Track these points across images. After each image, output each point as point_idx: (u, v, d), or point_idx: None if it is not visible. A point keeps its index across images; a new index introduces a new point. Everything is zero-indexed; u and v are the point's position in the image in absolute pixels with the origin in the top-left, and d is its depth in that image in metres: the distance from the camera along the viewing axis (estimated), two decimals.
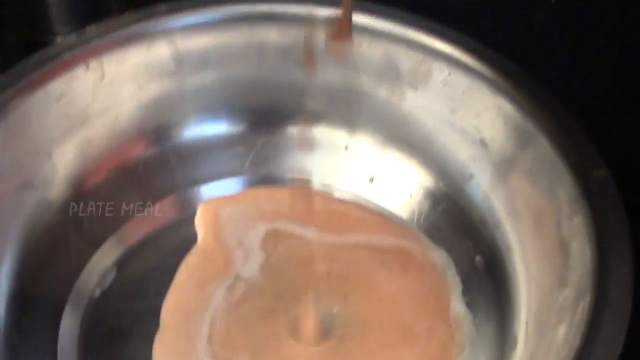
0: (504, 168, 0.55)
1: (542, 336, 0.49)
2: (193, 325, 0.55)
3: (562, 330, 0.47)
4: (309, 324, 0.54)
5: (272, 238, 0.59)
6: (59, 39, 0.66)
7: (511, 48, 0.56)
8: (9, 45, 0.70)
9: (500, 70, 0.55)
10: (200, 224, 0.59)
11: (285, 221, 0.59)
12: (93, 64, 0.57)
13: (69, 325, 0.55)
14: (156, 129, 0.61)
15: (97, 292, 0.57)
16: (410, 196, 0.60)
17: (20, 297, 0.54)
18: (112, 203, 0.59)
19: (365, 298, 0.56)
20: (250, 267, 0.57)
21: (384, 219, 0.60)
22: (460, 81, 0.57)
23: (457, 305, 0.55)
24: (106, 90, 0.58)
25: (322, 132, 0.62)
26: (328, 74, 0.60)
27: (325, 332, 0.54)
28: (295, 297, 0.55)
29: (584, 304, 0.46)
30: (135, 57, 0.59)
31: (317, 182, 0.62)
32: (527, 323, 0.51)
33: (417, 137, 0.59)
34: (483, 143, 0.56)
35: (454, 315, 0.55)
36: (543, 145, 0.52)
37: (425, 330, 0.54)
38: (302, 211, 0.60)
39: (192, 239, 0.59)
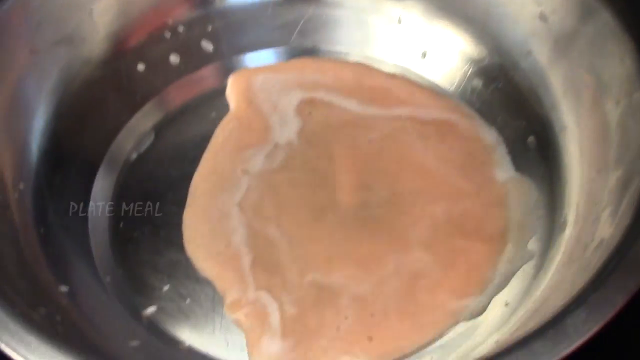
0: (563, 43, 0.52)
1: (590, 217, 0.46)
2: (227, 191, 0.53)
3: (607, 212, 0.45)
4: (347, 194, 0.52)
5: (307, 105, 0.57)
6: None
7: None
8: None
9: None
10: (232, 92, 0.57)
11: (325, 91, 0.57)
12: None
13: (102, 186, 0.54)
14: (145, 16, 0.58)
15: (134, 155, 0.56)
16: (464, 73, 0.57)
17: (54, 154, 0.53)
18: (154, 65, 0.57)
19: (405, 165, 0.53)
20: (287, 133, 0.55)
21: (433, 93, 0.57)
22: None
23: (507, 174, 0.53)
24: None
25: (375, 4, 0.59)
26: None
27: (364, 201, 0.52)
28: (333, 166, 0.53)
29: (636, 185, 0.43)
30: None
31: (367, 56, 0.59)
32: (577, 205, 0.49)
33: (474, 10, 0.56)
34: (543, 17, 0.53)
35: (502, 181, 0.53)
36: (605, 18, 0.49)
37: (474, 190, 0.52)
38: (347, 83, 0.57)
39: None
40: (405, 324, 0.48)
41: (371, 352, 0.47)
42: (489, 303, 0.48)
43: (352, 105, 0.56)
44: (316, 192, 0.53)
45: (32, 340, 0.39)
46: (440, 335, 0.48)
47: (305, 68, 0.58)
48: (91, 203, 0.53)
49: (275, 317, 0.49)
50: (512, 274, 0.49)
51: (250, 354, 0.48)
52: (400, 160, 0.54)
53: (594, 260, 0.42)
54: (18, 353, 0.39)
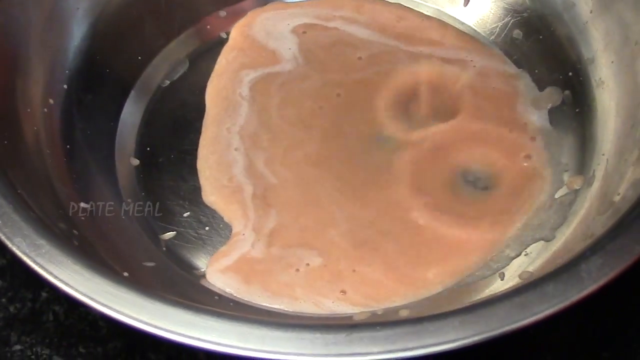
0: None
1: (617, 173, 0.46)
2: (230, 117, 0.53)
3: (632, 168, 0.44)
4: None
5: (303, 27, 0.57)
6: None
7: None
8: None
9: None
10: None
11: (342, 22, 0.57)
12: None
13: (132, 110, 0.54)
14: None
15: (166, 82, 0.56)
16: (505, 23, 0.56)
17: (87, 73, 0.53)
18: None
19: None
20: (284, 51, 0.55)
21: (467, 37, 0.56)
22: None
23: (538, 119, 0.52)
24: None
25: None
26: None
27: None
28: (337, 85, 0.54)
29: None
30: None
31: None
32: (607, 160, 0.47)
33: None
34: None
35: (533, 127, 0.52)
36: None
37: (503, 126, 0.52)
38: (379, 21, 0.57)
39: None
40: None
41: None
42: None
43: (365, 34, 0.56)
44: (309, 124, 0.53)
45: (44, 244, 0.39)
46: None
47: (345, 6, 0.58)
48: (120, 125, 0.53)
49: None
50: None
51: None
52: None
53: (616, 213, 0.41)
54: (28, 256, 0.39)
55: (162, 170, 0.52)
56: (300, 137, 0.53)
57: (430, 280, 0.47)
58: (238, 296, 0.47)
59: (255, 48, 0.56)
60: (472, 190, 0.50)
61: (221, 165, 0.52)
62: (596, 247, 0.39)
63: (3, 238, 0.39)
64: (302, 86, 0.55)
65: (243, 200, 0.50)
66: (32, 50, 0.50)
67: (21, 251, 0.39)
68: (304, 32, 0.57)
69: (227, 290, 0.47)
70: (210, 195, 0.51)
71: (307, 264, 0.48)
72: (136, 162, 0.52)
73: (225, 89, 0.55)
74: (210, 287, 0.48)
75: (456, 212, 0.49)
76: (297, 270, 0.48)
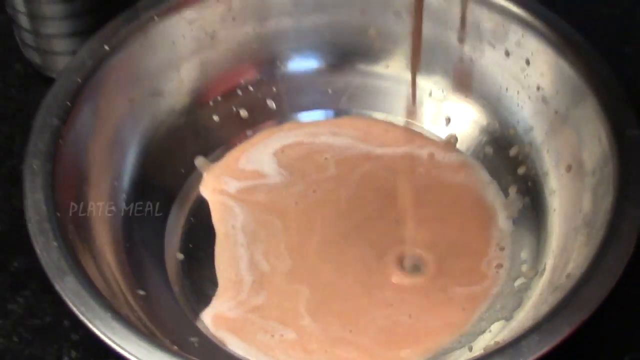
0: (558, 122, 0.64)
1: (561, 265, 0.58)
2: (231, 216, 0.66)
3: (572, 260, 0.56)
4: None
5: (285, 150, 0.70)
6: None
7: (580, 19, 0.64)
8: None
9: (565, 37, 0.63)
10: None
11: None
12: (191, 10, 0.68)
13: (177, 213, 0.67)
14: (268, 58, 0.71)
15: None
16: (479, 141, 0.69)
17: (140, 184, 0.66)
18: (227, 117, 0.70)
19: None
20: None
21: (438, 141, 0.70)
22: (531, 43, 0.65)
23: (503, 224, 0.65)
24: (230, 21, 0.69)
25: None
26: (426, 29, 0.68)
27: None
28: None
29: (596, 239, 0.55)
30: (215, 8, 0.69)
31: (398, 119, 0.71)
32: (555, 255, 0.60)
33: (489, 90, 0.68)
34: (544, 100, 0.65)
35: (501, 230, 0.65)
36: (591, 102, 0.60)
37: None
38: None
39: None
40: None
41: None
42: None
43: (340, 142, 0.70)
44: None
45: (116, 325, 0.52)
46: None
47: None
48: (168, 226, 0.66)
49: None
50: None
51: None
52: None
53: (556, 298, 0.54)
54: (105, 335, 0.51)
55: (202, 263, 0.65)
56: (289, 231, 0.65)
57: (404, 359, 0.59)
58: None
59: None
60: (446, 280, 0.62)
61: (232, 260, 0.64)
62: (535, 327, 0.51)
63: (85, 320, 0.52)
64: (287, 190, 0.67)
65: (242, 289, 0.63)
66: (98, 165, 0.63)
67: (100, 331, 0.52)
68: (282, 152, 0.70)
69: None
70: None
71: (281, 335, 0.60)
72: (181, 256, 0.65)
73: (220, 194, 0.67)
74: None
75: (431, 297, 0.61)
76: (272, 336, 0.60)
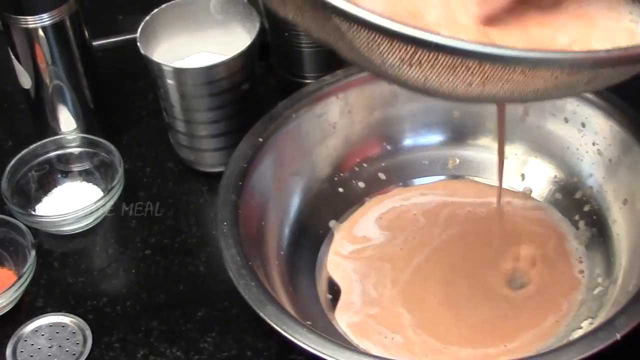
0: (612, 168, 0.83)
1: (630, 274, 0.76)
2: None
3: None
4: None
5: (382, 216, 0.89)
6: (309, 79, 0.96)
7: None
8: (274, 84, 1.02)
9: (610, 102, 0.83)
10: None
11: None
12: (341, 95, 0.88)
13: (324, 252, 0.86)
14: (377, 141, 0.91)
15: None
16: (550, 191, 0.88)
17: (298, 233, 0.86)
18: (349, 188, 0.89)
19: None
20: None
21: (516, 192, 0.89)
22: (585, 110, 0.84)
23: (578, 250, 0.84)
24: (347, 114, 0.89)
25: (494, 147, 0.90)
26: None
27: None
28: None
29: None
30: (367, 92, 0.89)
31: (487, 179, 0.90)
32: (624, 267, 0.78)
33: (555, 148, 0.87)
34: (599, 152, 0.84)
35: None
36: (637, 150, 0.80)
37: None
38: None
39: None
40: None
41: None
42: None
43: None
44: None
45: (301, 329, 0.70)
46: None
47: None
48: (317, 264, 0.85)
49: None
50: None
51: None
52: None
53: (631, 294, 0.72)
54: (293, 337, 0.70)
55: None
56: (395, 270, 0.84)
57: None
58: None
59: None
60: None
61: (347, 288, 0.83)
62: (621, 311, 0.69)
63: (286, 334, 0.70)
64: (390, 243, 0.86)
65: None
66: (265, 224, 0.82)
67: (299, 341, 0.69)
68: (381, 218, 0.88)
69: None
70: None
71: (392, 339, 0.78)
72: (329, 297, 0.83)
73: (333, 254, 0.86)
74: None
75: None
76: (385, 337, 0.78)
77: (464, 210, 0.88)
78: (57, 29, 0.89)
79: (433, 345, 0.77)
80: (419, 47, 0.54)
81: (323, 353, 0.69)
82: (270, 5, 0.62)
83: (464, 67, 0.55)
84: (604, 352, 0.67)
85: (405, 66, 0.57)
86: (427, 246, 0.85)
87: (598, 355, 0.67)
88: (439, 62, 0.55)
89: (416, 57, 0.55)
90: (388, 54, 0.56)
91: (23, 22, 0.88)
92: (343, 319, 0.80)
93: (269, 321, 0.71)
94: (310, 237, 0.86)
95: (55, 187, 0.93)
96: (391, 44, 0.55)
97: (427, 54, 0.55)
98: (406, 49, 0.55)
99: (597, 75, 0.58)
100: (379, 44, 0.56)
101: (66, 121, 0.95)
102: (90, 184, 0.93)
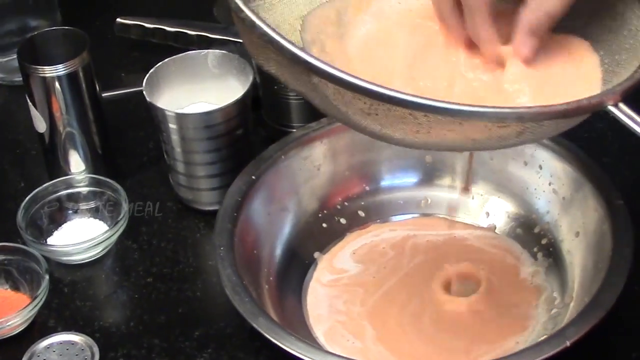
0: (566, 205, 0.93)
1: (581, 297, 0.86)
2: None
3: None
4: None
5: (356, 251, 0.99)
6: (296, 128, 1.06)
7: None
8: (264, 135, 1.12)
9: (564, 147, 0.94)
10: None
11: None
12: (325, 140, 0.98)
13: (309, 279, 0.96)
14: (357, 182, 1.01)
15: None
16: (512, 227, 0.98)
17: (287, 260, 0.95)
18: (332, 223, 0.99)
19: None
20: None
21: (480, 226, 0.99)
22: (542, 155, 0.95)
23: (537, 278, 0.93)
24: (330, 157, 0.99)
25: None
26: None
27: None
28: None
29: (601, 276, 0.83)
30: (348, 138, 0.99)
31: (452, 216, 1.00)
32: (576, 290, 0.88)
33: (515, 187, 0.98)
34: (555, 191, 0.94)
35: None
36: (588, 187, 0.91)
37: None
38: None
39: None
40: None
41: None
42: None
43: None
44: None
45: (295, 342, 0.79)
46: None
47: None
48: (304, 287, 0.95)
49: None
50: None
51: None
52: None
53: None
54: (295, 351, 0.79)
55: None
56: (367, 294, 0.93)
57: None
58: None
59: None
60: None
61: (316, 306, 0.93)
62: (572, 322, 0.79)
63: (278, 343, 0.79)
64: (364, 273, 0.95)
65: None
66: (257, 250, 0.92)
67: (289, 348, 0.79)
68: (354, 253, 0.98)
69: None
70: None
71: (353, 343, 0.88)
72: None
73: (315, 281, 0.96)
74: None
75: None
76: (347, 340, 0.88)
77: (424, 240, 0.98)
78: (70, 78, 0.99)
79: (387, 357, 0.87)
80: (372, 98, 0.66)
81: (308, 357, 0.78)
82: (257, 60, 0.76)
83: (411, 117, 0.67)
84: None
85: (364, 116, 0.69)
86: (396, 273, 0.95)
87: None
88: (391, 112, 0.67)
89: (373, 107, 0.67)
90: (350, 104, 0.68)
91: (40, 72, 0.98)
92: (319, 329, 0.90)
93: (260, 330, 0.81)
94: (297, 265, 0.96)
95: (65, 222, 1.03)
96: (352, 95, 0.67)
97: (380, 105, 0.67)
98: (363, 100, 0.67)
99: (524, 129, 0.69)
100: (341, 94, 0.68)
101: (76, 163, 1.05)
102: (97, 220, 1.03)
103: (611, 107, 0.67)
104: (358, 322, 0.90)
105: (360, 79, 0.65)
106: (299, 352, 0.79)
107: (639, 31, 0.75)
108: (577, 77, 0.76)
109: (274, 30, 0.67)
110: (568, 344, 0.77)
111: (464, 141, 0.69)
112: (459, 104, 0.66)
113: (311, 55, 0.67)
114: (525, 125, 0.68)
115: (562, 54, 0.77)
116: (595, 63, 0.76)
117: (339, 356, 0.81)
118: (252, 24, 0.68)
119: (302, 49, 0.67)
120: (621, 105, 0.67)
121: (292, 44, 0.67)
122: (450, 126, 0.67)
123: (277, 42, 0.67)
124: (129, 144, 1.14)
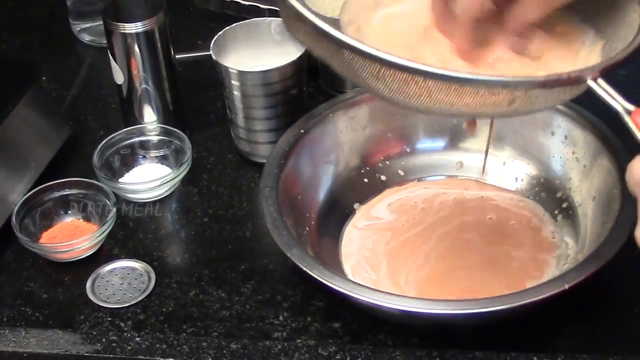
0: (586, 172, 1.01)
1: (592, 245, 0.94)
2: None
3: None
4: None
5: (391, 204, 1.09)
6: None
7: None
8: (322, 100, 1.22)
9: (586, 119, 1.02)
10: None
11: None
12: (370, 103, 1.08)
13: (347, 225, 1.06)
14: (398, 142, 1.11)
15: None
16: (535, 190, 1.07)
17: (330, 202, 1.06)
18: (372, 179, 1.09)
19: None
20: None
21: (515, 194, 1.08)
22: (567, 125, 1.03)
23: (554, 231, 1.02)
24: (374, 119, 1.09)
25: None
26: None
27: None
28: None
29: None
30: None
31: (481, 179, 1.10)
32: (588, 241, 0.96)
33: (542, 156, 1.06)
34: (577, 159, 1.03)
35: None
36: (606, 157, 0.99)
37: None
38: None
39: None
40: None
41: None
42: None
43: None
44: None
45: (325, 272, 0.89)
46: None
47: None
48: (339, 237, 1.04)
49: None
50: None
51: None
52: None
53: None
54: (322, 278, 0.89)
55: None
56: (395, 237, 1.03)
57: None
58: None
59: None
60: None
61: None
62: (577, 266, 0.87)
63: (308, 270, 0.89)
64: (395, 221, 1.05)
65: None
66: (305, 190, 1.03)
67: (319, 277, 0.89)
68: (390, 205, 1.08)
69: None
70: None
71: (369, 274, 0.98)
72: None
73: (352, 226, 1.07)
74: None
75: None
76: (366, 272, 0.99)
77: (452, 197, 1.08)
78: (147, 36, 1.11)
79: (391, 289, 0.96)
80: (382, 65, 0.75)
81: (332, 283, 0.88)
82: (288, 29, 0.85)
83: (413, 82, 0.75)
84: (554, 300, 0.86)
85: (374, 79, 0.78)
86: (422, 223, 1.04)
87: (550, 304, 0.86)
88: (396, 76, 0.75)
89: (380, 72, 0.76)
90: (361, 69, 0.77)
91: (121, 28, 1.10)
92: (348, 263, 1.01)
93: (293, 259, 0.90)
94: (337, 213, 1.06)
95: (136, 166, 1.15)
96: (363, 61, 0.76)
97: (388, 70, 0.75)
98: (371, 66, 0.76)
99: (514, 98, 0.75)
100: (354, 60, 0.77)
101: (149, 115, 1.17)
102: (164, 166, 1.14)
103: (590, 82, 0.75)
104: (379, 258, 1.00)
105: (366, 44, 0.75)
106: (325, 280, 0.88)
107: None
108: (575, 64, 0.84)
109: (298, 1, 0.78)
110: (566, 287, 0.85)
111: (462, 106, 0.77)
112: (453, 70, 0.75)
113: (327, 24, 0.76)
114: (514, 94, 0.75)
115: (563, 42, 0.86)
116: (596, 50, 0.85)
117: (354, 282, 0.92)
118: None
119: (320, 16, 0.77)
120: (600, 80, 0.75)
121: (313, 12, 0.77)
122: (447, 91, 0.75)
123: (300, 14, 0.78)
124: (199, 103, 1.26)
